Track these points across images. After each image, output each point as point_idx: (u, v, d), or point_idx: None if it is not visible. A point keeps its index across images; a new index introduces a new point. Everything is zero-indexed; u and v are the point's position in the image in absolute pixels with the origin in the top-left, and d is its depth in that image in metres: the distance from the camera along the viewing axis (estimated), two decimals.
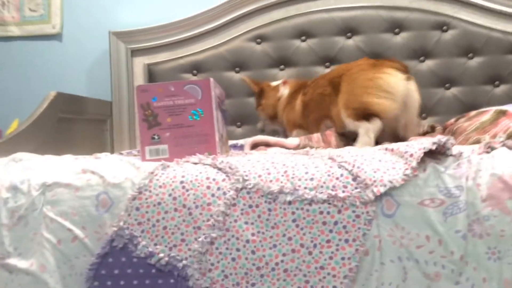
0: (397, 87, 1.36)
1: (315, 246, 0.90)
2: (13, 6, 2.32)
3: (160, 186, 0.96)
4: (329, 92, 1.53)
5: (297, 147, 1.43)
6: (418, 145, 0.96)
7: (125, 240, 0.93)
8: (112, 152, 2.07)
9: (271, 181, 0.95)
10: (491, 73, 2.03)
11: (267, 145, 1.46)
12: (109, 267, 0.93)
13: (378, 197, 0.91)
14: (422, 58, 2.08)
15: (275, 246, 0.91)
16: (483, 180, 0.90)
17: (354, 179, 0.93)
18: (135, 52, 2.20)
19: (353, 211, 0.90)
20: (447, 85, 2.06)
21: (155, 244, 0.93)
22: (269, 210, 0.92)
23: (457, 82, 2.05)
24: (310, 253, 0.90)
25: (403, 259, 0.89)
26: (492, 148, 0.99)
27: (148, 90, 1.18)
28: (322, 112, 1.56)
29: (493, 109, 1.35)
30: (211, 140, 1.16)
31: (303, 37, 2.14)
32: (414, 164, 0.92)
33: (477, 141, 1.20)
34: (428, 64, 2.08)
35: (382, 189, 0.90)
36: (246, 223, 0.92)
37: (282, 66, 2.15)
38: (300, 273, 0.90)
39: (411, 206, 0.90)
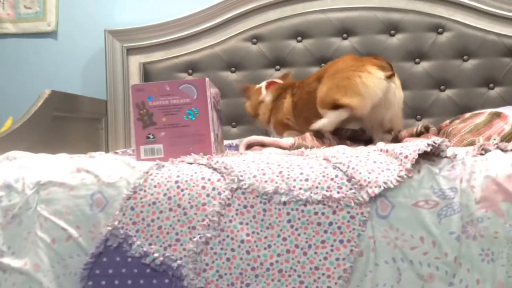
0: (372, 87, 1.38)
1: (309, 246, 0.90)
2: (8, 3, 2.31)
3: (155, 186, 0.96)
4: (314, 88, 1.53)
5: (292, 146, 1.44)
6: (413, 146, 0.97)
7: (119, 240, 0.93)
8: (107, 151, 2.07)
9: (266, 181, 0.95)
10: (486, 75, 2.04)
11: (262, 145, 1.46)
12: (103, 266, 0.92)
13: (373, 198, 0.91)
14: (417, 60, 2.09)
15: (270, 246, 0.91)
16: (477, 182, 0.91)
17: (349, 180, 0.93)
18: (130, 51, 2.19)
19: (348, 212, 0.91)
20: (442, 87, 2.07)
21: (150, 244, 0.93)
22: (264, 210, 0.93)
23: (452, 84, 2.06)
24: (305, 253, 0.90)
25: (398, 260, 0.89)
26: (486, 150, 0.99)
27: (143, 90, 1.18)
28: (312, 111, 1.56)
29: (487, 111, 1.36)
30: (206, 140, 1.16)
31: (299, 38, 2.14)
32: (408, 165, 0.93)
33: (472, 143, 1.21)
34: (424, 65, 2.08)
35: (377, 190, 0.91)
36: (241, 223, 0.92)
37: (277, 67, 2.15)
38: (294, 274, 0.90)
39: (405, 208, 0.91)
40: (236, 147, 1.58)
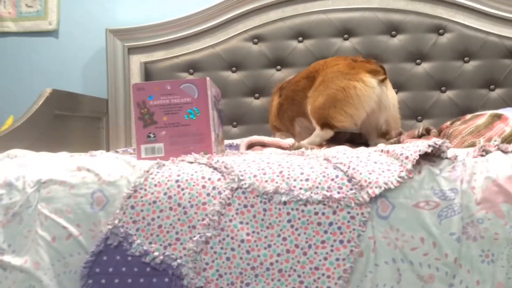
0: (367, 99, 1.39)
1: (310, 246, 0.90)
2: (10, 2, 2.31)
3: (155, 185, 0.96)
4: (303, 87, 1.53)
5: (292, 146, 1.44)
6: (413, 147, 0.97)
7: (119, 239, 0.93)
8: (107, 150, 2.07)
9: (266, 181, 0.95)
10: (487, 77, 2.04)
11: (263, 145, 1.46)
12: (103, 265, 0.92)
13: (373, 199, 0.91)
14: (418, 61, 2.09)
15: (270, 246, 0.91)
16: (477, 183, 0.91)
17: (349, 181, 0.93)
18: (131, 50, 2.19)
19: (348, 212, 0.90)
20: (442, 88, 2.07)
21: (150, 243, 0.93)
22: (264, 210, 0.93)
23: (453, 86, 2.06)
24: (304, 253, 0.90)
25: (398, 261, 0.89)
26: (487, 152, 0.99)
27: (144, 89, 1.18)
28: (296, 109, 1.57)
29: (488, 112, 1.36)
30: (206, 139, 1.16)
31: (300, 38, 2.14)
32: (409, 166, 0.93)
33: (472, 144, 1.21)
34: (424, 67, 2.09)
35: (377, 191, 0.91)
36: (241, 222, 0.92)
37: (278, 67, 2.15)
38: (294, 274, 0.90)
39: (406, 208, 0.90)
40: (237, 147, 1.58)
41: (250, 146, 1.53)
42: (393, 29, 2.11)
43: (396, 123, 1.52)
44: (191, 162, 1.03)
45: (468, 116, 1.44)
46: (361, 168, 0.94)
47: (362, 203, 0.91)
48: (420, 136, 1.49)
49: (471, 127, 1.32)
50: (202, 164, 1.01)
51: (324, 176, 0.94)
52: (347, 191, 0.92)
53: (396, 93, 2.08)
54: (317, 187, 0.93)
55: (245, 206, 0.93)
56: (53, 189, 0.98)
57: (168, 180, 0.97)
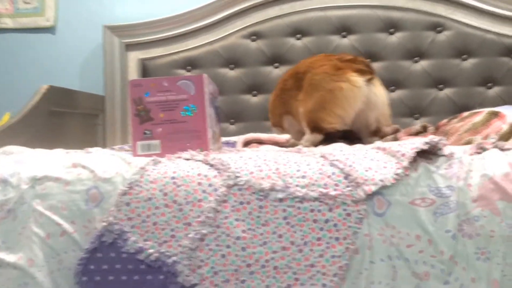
0: (354, 99, 1.39)
1: (305, 243, 0.90)
2: None
3: (151, 182, 0.96)
4: (291, 86, 1.53)
5: (288, 141, 1.45)
6: (410, 144, 0.96)
7: (114, 236, 0.93)
8: (104, 147, 2.06)
9: (262, 178, 0.94)
10: (485, 74, 2.04)
11: (260, 142, 1.46)
12: (98, 262, 0.92)
13: (369, 196, 0.91)
14: (416, 59, 2.09)
15: (265, 243, 0.90)
16: (474, 180, 0.91)
17: (345, 178, 0.93)
18: (129, 47, 2.19)
19: (344, 210, 0.90)
20: (440, 86, 2.07)
21: (145, 240, 0.92)
22: (260, 207, 0.92)
23: (451, 83, 2.06)
24: (300, 250, 0.90)
25: (393, 258, 0.89)
26: (484, 149, 0.99)
27: (141, 85, 1.17)
28: (284, 107, 1.57)
29: (485, 110, 1.36)
30: (203, 136, 1.16)
31: (298, 35, 2.14)
32: (405, 163, 0.93)
33: (469, 142, 1.20)
34: (422, 64, 2.08)
35: (374, 188, 0.90)
36: (237, 220, 0.92)
37: (276, 64, 2.15)
38: (290, 271, 0.89)
39: (402, 205, 0.90)
40: (234, 144, 1.58)
41: (247, 144, 1.53)
42: (391, 26, 2.11)
43: (386, 120, 1.52)
44: (187, 159, 1.02)
45: (466, 114, 1.44)
46: (358, 165, 0.94)
47: (358, 200, 0.90)
48: (417, 134, 1.49)
49: (468, 125, 1.32)
50: (199, 161, 1.01)
51: (320, 173, 0.94)
52: (344, 188, 0.92)
53: (394, 90, 2.08)
54: (313, 184, 0.93)
55: (241, 203, 0.93)
56: (48, 185, 0.98)
57: (164, 177, 0.96)
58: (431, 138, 0.97)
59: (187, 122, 1.16)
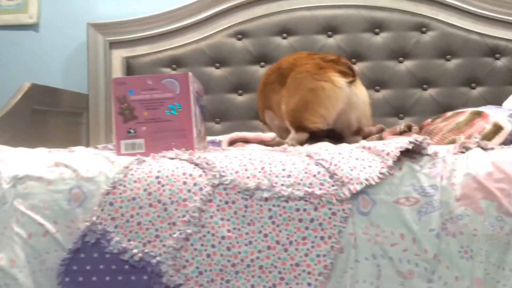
0: (336, 99, 1.39)
1: (290, 243, 0.90)
2: None
3: (135, 181, 0.95)
4: (272, 81, 1.53)
5: (273, 140, 1.44)
6: (394, 144, 0.97)
7: (97, 236, 0.91)
8: (87, 146, 2.04)
9: (248, 177, 0.94)
10: (468, 75, 2.06)
11: (246, 141, 1.46)
12: (80, 262, 0.91)
13: (354, 195, 0.91)
14: (401, 59, 2.10)
15: (250, 242, 0.90)
16: (457, 179, 0.91)
17: (331, 177, 0.93)
18: (113, 45, 2.16)
19: (329, 209, 0.90)
20: (424, 86, 2.09)
21: (129, 240, 0.91)
22: (246, 206, 0.92)
23: (435, 83, 2.08)
24: (285, 250, 0.90)
25: (378, 257, 0.90)
26: (467, 148, 1.00)
27: (124, 83, 1.16)
28: (265, 101, 1.57)
29: (469, 110, 1.37)
30: (188, 135, 1.15)
31: (284, 34, 2.14)
32: (390, 162, 0.93)
33: (453, 141, 1.21)
34: (407, 64, 2.10)
35: (359, 187, 0.91)
36: (222, 219, 0.91)
37: (262, 63, 2.14)
38: (275, 270, 0.89)
39: (386, 204, 0.91)
40: (219, 144, 1.57)
41: (232, 143, 1.52)
42: (376, 26, 2.12)
43: (367, 120, 1.53)
44: (172, 158, 1.02)
45: (449, 114, 1.45)
46: (343, 165, 0.94)
47: (343, 200, 0.91)
48: (401, 133, 1.49)
49: (452, 124, 1.33)
50: (183, 160, 1.00)
51: (306, 173, 0.94)
52: (329, 188, 0.92)
53: (379, 90, 2.09)
54: (298, 184, 0.93)
55: (226, 202, 0.93)
56: (30, 185, 0.96)
57: (148, 176, 0.95)
58: (415, 137, 0.97)
59: (172, 121, 1.15)
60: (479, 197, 0.89)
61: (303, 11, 2.14)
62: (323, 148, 1.05)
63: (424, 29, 2.09)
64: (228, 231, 0.91)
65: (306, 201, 0.91)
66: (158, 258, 0.90)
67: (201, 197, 0.93)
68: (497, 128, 1.23)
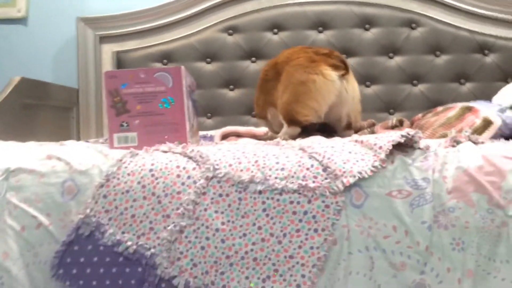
0: (327, 92, 1.39)
1: (284, 235, 0.90)
2: None
3: (128, 174, 0.95)
4: (271, 77, 1.53)
5: (265, 135, 1.44)
6: (387, 137, 0.98)
7: (91, 228, 0.91)
8: (78, 140, 2.02)
9: (241, 170, 0.94)
10: (458, 71, 2.08)
11: (238, 135, 1.46)
12: (74, 255, 0.91)
13: (347, 188, 0.92)
14: (391, 55, 2.11)
15: (245, 235, 0.90)
16: (449, 173, 0.92)
17: (324, 170, 0.94)
18: (103, 39, 2.15)
19: (323, 201, 0.91)
20: (414, 81, 2.10)
21: (123, 232, 0.91)
22: (240, 199, 0.92)
23: (425, 79, 2.10)
24: (279, 242, 0.90)
25: (371, 249, 0.90)
26: (458, 142, 1.01)
27: (117, 76, 1.16)
28: (266, 98, 1.57)
29: (459, 105, 1.39)
30: (181, 129, 1.15)
31: (275, 30, 2.14)
32: (382, 156, 0.94)
33: (444, 136, 1.23)
34: (397, 60, 2.11)
35: (351, 180, 0.91)
36: (216, 212, 0.92)
37: (253, 58, 2.14)
38: (269, 262, 0.90)
39: (379, 197, 0.92)
40: (211, 138, 1.57)
41: (224, 137, 1.52)
42: (366, 22, 2.13)
43: (357, 117, 1.53)
44: (166, 151, 1.01)
45: (440, 109, 1.46)
46: (336, 158, 0.95)
47: (336, 192, 0.91)
48: (393, 127, 1.51)
49: (443, 119, 1.34)
50: (177, 153, 1.00)
51: (299, 166, 0.95)
52: (322, 180, 0.92)
53: (369, 86, 2.10)
54: (292, 177, 0.93)
55: (220, 195, 0.93)
56: (22, 177, 0.96)
57: (142, 169, 0.95)
58: (407, 131, 0.98)
59: (165, 115, 1.15)
60: (470, 190, 0.90)
61: (294, 6, 2.14)
62: (316, 142, 1.06)
63: (414, 25, 2.10)
64: (222, 223, 0.91)
65: (299, 194, 0.92)
66: (152, 250, 0.90)
67: (195, 190, 0.93)
68: (487, 123, 1.25)
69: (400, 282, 0.90)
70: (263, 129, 1.51)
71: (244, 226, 0.91)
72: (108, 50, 2.16)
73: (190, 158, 0.98)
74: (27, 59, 2.25)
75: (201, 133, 1.68)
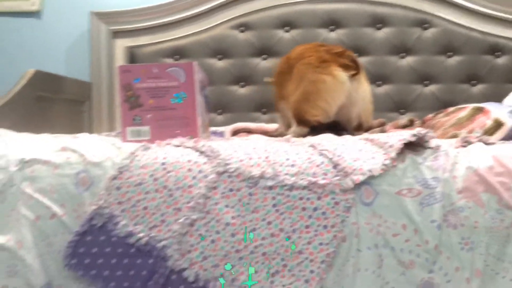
0: (336, 93, 1.39)
1: (294, 231, 0.91)
2: None
3: (141, 167, 0.96)
4: (285, 71, 1.53)
5: (276, 131, 1.45)
6: (398, 136, 0.98)
7: (104, 219, 0.93)
8: (90, 134, 2.04)
9: (252, 166, 0.95)
10: (469, 72, 2.07)
11: (249, 131, 1.47)
12: (87, 245, 0.92)
13: (357, 185, 0.92)
14: (402, 54, 2.11)
15: (254, 230, 0.91)
16: (459, 172, 0.93)
17: (334, 167, 0.94)
18: (116, 34, 2.16)
19: (333, 198, 0.92)
20: (426, 82, 2.10)
21: (135, 224, 0.93)
22: (250, 194, 0.93)
23: (436, 80, 2.09)
24: (289, 237, 0.91)
25: (380, 247, 0.91)
26: (469, 143, 1.01)
27: (130, 71, 1.17)
28: (279, 91, 1.57)
29: (470, 106, 1.38)
30: (193, 124, 1.16)
31: (287, 28, 2.14)
32: (393, 154, 0.94)
33: (454, 136, 1.23)
34: (408, 60, 2.11)
35: (362, 178, 0.92)
36: (226, 206, 0.93)
37: (264, 56, 2.15)
38: (278, 257, 0.91)
39: (389, 195, 0.92)
40: (221, 134, 1.58)
41: (235, 133, 1.53)
42: (378, 22, 2.12)
43: (368, 117, 1.53)
44: (177, 146, 1.03)
45: (451, 109, 1.46)
46: (346, 155, 0.96)
47: (346, 190, 0.92)
48: (404, 127, 1.51)
49: (454, 120, 1.34)
50: (189, 147, 1.01)
51: (309, 162, 0.95)
52: (332, 178, 0.93)
53: (380, 85, 2.10)
54: (302, 173, 0.94)
55: (231, 190, 0.94)
56: (37, 168, 0.97)
57: (154, 163, 0.96)
58: (418, 130, 0.98)
59: (177, 109, 1.16)
60: (480, 190, 0.91)
61: (305, 4, 2.14)
62: (326, 139, 1.06)
63: (426, 25, 2.10)
64: (232, 218, 0.92)
65: (309, 190, 0.92)
66: (164, 243, 0.91)
67: (206, 184, 0.94)
68: (498, 124, 1.25)
69: (408, 280, 0.90)
70: (273, 126, 1.51)
71: (254, 221, 0.92)
72: (121, 45, 2.17)
73: (201, 152, 0.99)
74: (40, 53, 2.27)
75: (211, 128, 1.69)
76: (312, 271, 0.90)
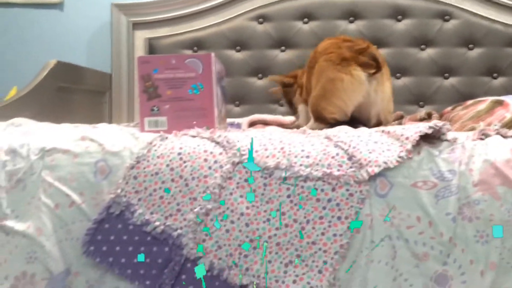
0: (353, 93, 1.37)
1: (308, 222, 0.92)
2: None
3: (158, 157, 0.98)
4: (312, 64, 1.52)
5: (292, 123, 1.44)
6: (414, 128, 0.98)
7: (122, 208, 0.95)
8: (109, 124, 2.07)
9: (267, 156, 0.96)
10: (490, 64, 2.04)
11: (265, 123, 1.47)
12: (105, 233, 0.94)
13: (372, 177, 0.92)
14: (423, 46, 2.09)
15: (268, 220, 0.92)
16: (475, 165, 0.92)
17: (349, 159, 0.94)
18: (136, 25, 2.18)
19: (347, 190, 0.92)
20: (446, 74, 2.07)
21: (151, 213, 0.94)
22: (265, 185, 0.94)
23: (456, 72, 2.06)
24: (302, 228, 0.92)
25: (393, 238, 0.91)
26: (486, 135, 1.00)
27: (149, 62, 1.18)
28: (306, 84, 1.56)
29: (489, 99, 1.37)
30: (209, 114, 1.17)
31: (306, 19, 2.13)
32: (409, 146, 0.94)
33: (472, 129, 1.22)
34: (429, 52, 2.08)
35: (377, 169, 0.92)
36: (241, 196, 0.94)
37: (283, 47, 2.14)
38: (292, 247, 0.92)
39: (404, 187, 0.92)
40: (238, 125, 1.59)
41: (252, 124, 1.54)
42: (399, 13, 2.10)
43: (387, 116, 1.51)
44: (194, 136, 1.04)
45: (470, 102, 1.45)
46: (361, 147, 0.96)
47: (361, 181, 0.92)
48: (421, 120, 1.50)
49: (472, 113, 1.33)
50: (205, 138, 1.02)
51: (324, 154, 0.96)
52: (347, 169, 0.93)
53: (400, 77, 2.08)
54: (317, 164, 0.94)
55: (246, 180, 0.95)
56: (57, 157, 1.00)
57: (171, 153, 0.98)
58: (435, 122, 0.98)
59: (194, 100, 1.17)
60: (496, 183, 0.90)
61: None
62: (342, 131, 1.06)
63: (447, 17, 2.07)
64: (247, 208, 0.93)
65: (324, 181, 0.93)
66: (179, 231, 0.93)
67: (222, 174, 0.95)
68: None
69: (422, 272, 0.90)
70: (290, 118, 1.52)
71: (268, 211, 0.93)
72: (141, 36, 2.19)
73: (217, 143, 1.00)
74: (62, 44, 2.31)
75: (228, 120, 1.70)
76: (325, 262, 0.90)
